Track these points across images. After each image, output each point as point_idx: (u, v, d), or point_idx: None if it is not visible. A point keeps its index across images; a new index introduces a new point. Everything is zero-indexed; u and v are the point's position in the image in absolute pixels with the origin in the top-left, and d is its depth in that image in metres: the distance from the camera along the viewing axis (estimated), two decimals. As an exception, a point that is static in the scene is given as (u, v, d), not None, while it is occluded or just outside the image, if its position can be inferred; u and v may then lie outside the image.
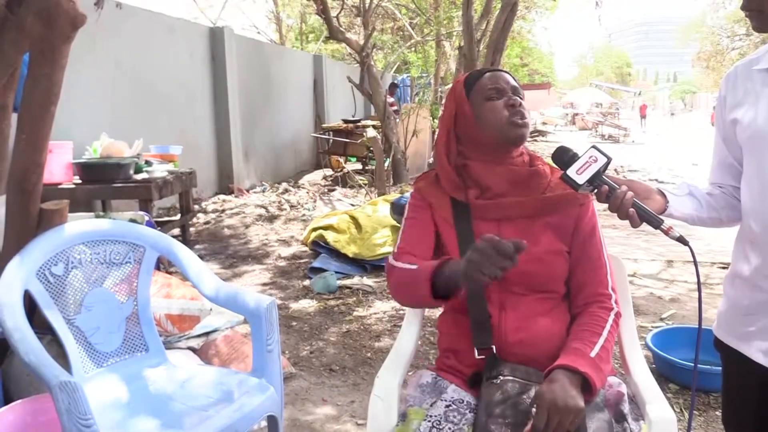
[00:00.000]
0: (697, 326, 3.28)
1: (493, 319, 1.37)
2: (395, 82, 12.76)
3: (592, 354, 1.28)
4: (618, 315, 1.39)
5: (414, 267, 1.35)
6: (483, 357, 1.34)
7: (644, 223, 1.23)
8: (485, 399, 1.28)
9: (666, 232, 1.20)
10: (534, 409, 1.21)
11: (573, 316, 1.42)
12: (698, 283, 1.21)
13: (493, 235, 1.14)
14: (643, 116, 32.28)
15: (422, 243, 1.45)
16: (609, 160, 1.24)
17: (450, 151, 1.47)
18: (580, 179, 1.24)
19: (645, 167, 11.79)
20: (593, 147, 1.26)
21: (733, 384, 1.41)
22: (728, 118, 1.32)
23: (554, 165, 1.37)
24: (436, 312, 3.61)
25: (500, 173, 1.42)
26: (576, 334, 1.35)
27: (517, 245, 1.10)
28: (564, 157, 1.28)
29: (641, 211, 1.22)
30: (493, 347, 1.34)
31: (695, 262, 1.20)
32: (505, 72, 1.47)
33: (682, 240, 1.20)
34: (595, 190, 1.25)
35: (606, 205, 1.25)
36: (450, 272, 1.24)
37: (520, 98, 1.42)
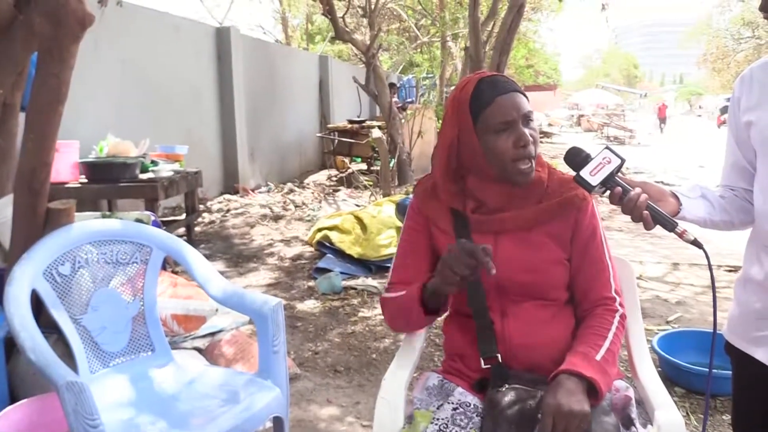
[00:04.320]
0: (703, 329, 3.27)
1: (495, 325, 1.36)
2: (393, 82, 12.68)
3: (598, 357, 1.27)
4: (623, 317, 1.37)
5: (402, 293, 1.41)
6: (489, 366, 1.34)
7: (657, 226, 1.22)
8: (491, 405, 1.28)
9: (680, 236, 1.18)
10: (540, 415, 1.20)
11: (578, 321, 1.40)
12: (713, 286, 1.20)
13: (485, 244, 1.24)
14: (661, 118, 27.73)
15: (415, 273, 1.44)
16: (622, 161, 1.23)
17: (449, 169, 1.41)
18: (594, 181, 1.22)
19: (650, 169, 11.74)
20: (606, 148, 1.24)
21: (744, 388, 1.40)
22: (742, 120, 1.30)
23: (559, 166, 1.36)
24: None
25: (496, 189, 1.38)
26: (581, 337, 1.34)
27: (485, 249, 1.22)
28: (577, 158, 1.26)
29: (655, 214, 1.20)
30: (499, 356, 1.34)
31: (710, 265, 1.19)
32: (517, 92, 1.34)
33: (696, 243, 1.19)
34: (608, 192, 1.24)
35: (618, 206, 1.24)
36: (432, 284, 1.32)
37: (530, 121, 1.34)
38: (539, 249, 1.37)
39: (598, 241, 1.41)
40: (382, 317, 3.68)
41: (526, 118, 1.33)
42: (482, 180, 1.39)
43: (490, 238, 1.37)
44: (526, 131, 1.32)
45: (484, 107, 1.32)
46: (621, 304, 1.38)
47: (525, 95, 1.37)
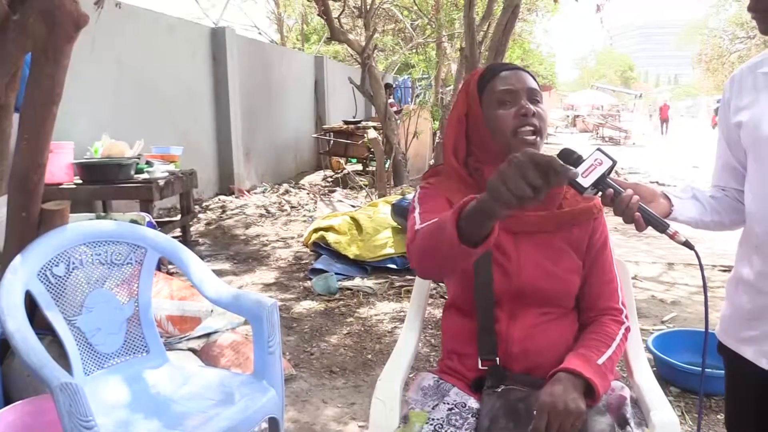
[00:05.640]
0: (698, 329, 3.27)
1: (501, 326, 1.34)
2: (389, 82, 12.67)
3: (599, 362, 1.27)
4: (628, 330, 1.38)
5: (437, 219, 1.14)
6: (486, 368, 1.34)
7: (648, 227, 1.22)
8: (487, 405, 1.28)
9: (672, 237, 1.19)
10: (535, 412, 1.20)
11: (581, 327, 1.40)
12: (704, 287, 1.20)
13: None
14: (664, 119, 26.21)
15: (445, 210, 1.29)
16: (614, 163, 1.23)
17: (458, 150, 1.40)
18: (585, 182, 1.22)
19: (646, 170, 11.78)
20: (598, 149, 1.24)
21: (737, 388, 1.41)
22: (732, 121, 1.31)
23: None
24: (438, 314, 3.60)
25: None
26: (584, 341, 1.34)
27: (565, 169, 0.89)
28: (568, 159, 1.26)
29: (646, 215, 1.20)
30: (497, 358, 1.33)
31: (701, 267, 1.19)
32: (523, 70, 1.37)
33: (687, 244, 1.19)
34: (600, 194, 1.24)
35: (610, 208, 1.24)
36: (479, 202, 1.00)
37: (537, 101, 1.35)
38: (559, 256, 1.36)
39: (608, 252, 1.42)
40: (378, 318, 3.71)
41: (531, 94, 1.34)
42: (496, 165, 1.37)
43: (509, 238, 1.36)
44: (530, 105, 1.32)
45: (489, 80, 1.36)
46: (627, 317, 1.39)
47: (534, 77, 1.38)
